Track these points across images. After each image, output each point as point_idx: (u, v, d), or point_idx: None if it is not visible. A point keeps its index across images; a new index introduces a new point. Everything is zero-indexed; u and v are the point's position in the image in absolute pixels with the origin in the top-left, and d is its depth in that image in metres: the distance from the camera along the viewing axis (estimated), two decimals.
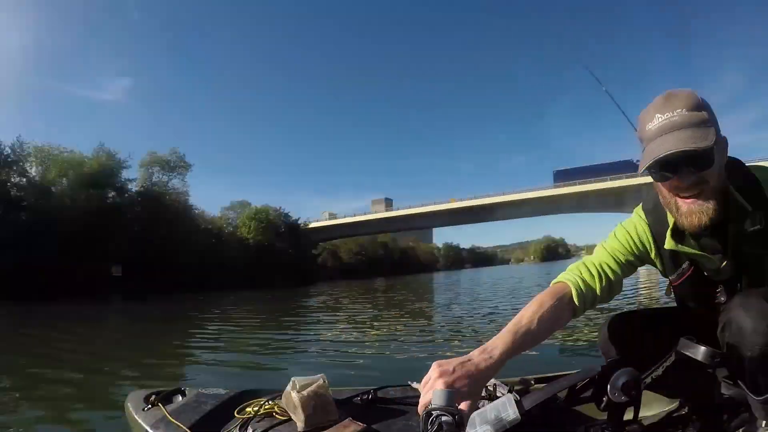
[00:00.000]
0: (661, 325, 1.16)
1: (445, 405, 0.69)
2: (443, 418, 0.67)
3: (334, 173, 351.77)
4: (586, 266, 1.05)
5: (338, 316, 10.04)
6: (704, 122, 0.85)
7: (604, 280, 1.02)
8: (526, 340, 0.87)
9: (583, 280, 1.01)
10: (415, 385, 1.30)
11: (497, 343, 0.85)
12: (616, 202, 53.22)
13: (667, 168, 0.88)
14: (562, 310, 0.96)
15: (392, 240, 77.77)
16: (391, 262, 67.81)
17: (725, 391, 1.11)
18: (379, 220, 61.38)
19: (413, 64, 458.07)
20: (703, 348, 0.87)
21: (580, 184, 53.65)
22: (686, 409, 1.21)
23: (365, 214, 65.65)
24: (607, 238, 1.13)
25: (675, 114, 0.86)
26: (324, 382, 1.17)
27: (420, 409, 0.73)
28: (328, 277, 43.79)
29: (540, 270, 34.80)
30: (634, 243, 1.07)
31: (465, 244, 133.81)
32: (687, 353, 0.89)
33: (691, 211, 0.90)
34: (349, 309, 11.53)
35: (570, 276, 1.03)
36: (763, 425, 0.99)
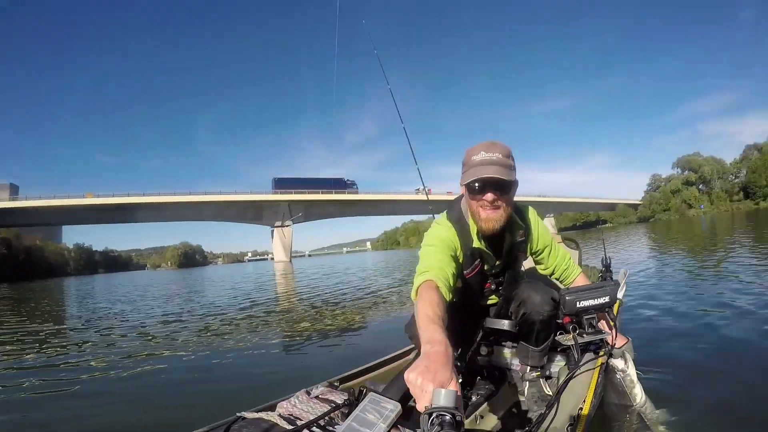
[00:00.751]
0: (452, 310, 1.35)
1: (445, 404, 0.70)
2: (444, 418, 0.69)
3: None
4: (436, 265, 1.30)
5: None
6: (511, 167, 1.34)
7: (450, 272, 1.31)
8: (442, 322, 1.02)
9: (443, 275, 1.28)
10: (248, 414, 1.18)
11: (432, 334, 0.95)
12: (254, 215, 58.67)
13: (482, 187, 1.32)
14: (440, 298, 1.17)
15: (15, 237, 68.66)
16: (14, 264, 61.82)
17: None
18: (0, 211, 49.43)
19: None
20: (506, 321, 1.51)
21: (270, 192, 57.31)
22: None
23: None
24: (427, 243, 1.42)
25: (494, 156, 1.31)
26: None
27: (419, 407, 0.75)
28: None
29: (177, 276, 32.86)
30: (450, 244, 1.40)
31: (98, 246, 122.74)
32: (494, 326, 1.50)
33: (489, 218, 1.36)
34: None
35: (432, 274, 1.26)
36: (528, 370, 1.58)
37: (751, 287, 4.49)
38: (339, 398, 1.29)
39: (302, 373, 3.24)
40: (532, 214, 1.61)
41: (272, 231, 62.05)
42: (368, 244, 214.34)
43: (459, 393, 0.74)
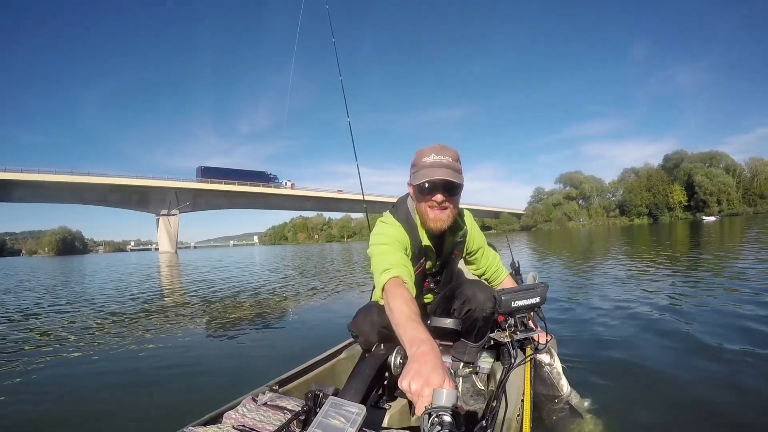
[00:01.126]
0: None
1: (446, 404, 0.71)
2: (443, 417, 0.70)
3: None
4: (398, 261, 1.33)
5: None
6: (459, 170, 1.39)
7: (410, 269, 1.37)
8: (420, 319, 1.08)
9: (407, 271, 1.32)
10: (194, 429, 1.07)
11: (415, 333, 0.97)
12: (140, 201, 56.13)
13: (432, 188, 1.36)
14: (410, 294, 1.23)
15: None
16: None
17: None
18: None
19: None
20: (449, 319, 1.54)
21: (137, 178, 52.37)
22: None
23: None
24: (380, 241, 1.42)
25: (444, 159, 1.35)
26: None
27: (418, 411, 0.77)
28: None
29: (56, 265, 28.65)
30: (403, 242, 1.44)
31: None
32: (439, 325, 1.53)
33: (437, 218, 1.41)
34: None
35: (397, 271, 1.28)
36: (462, 366, 1.60)
37: (631, 289, 5.34)
38: (290, 404, 1.23)
39: (228, 376, 2.94)
40: (468, 216, 1.68)
41: (158, 219, 58.70)
42: (256, 238, 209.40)
43: (458, 392, 0.77)
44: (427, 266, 1.59)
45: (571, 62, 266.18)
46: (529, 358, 1.62)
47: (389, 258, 1.34)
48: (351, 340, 1.94)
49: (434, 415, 0.71)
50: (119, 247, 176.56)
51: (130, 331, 4.63)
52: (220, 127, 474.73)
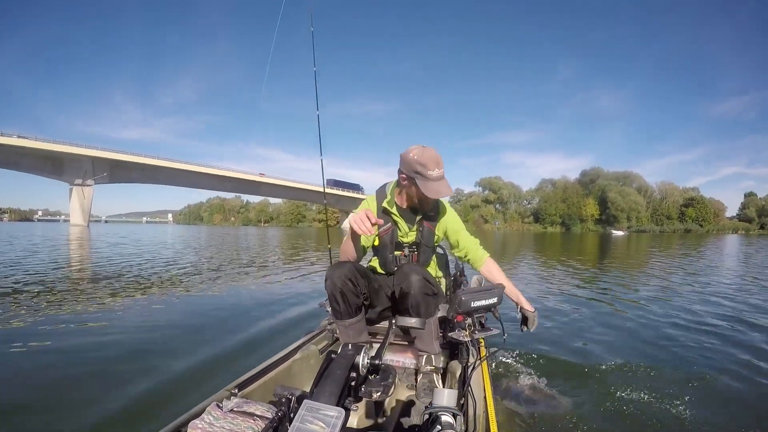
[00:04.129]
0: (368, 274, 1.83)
1: (447, 404, 0.74)
2: (444, 417, 0.72)
3: None
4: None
5: None
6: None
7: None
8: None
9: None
10: None
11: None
12: (54, 168, 51.04)
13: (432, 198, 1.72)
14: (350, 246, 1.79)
15: None
16: None
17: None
18: None
19: None
20: (413, 319, 1.69)
21: (18, 138, 46.54)
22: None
23: None
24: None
25: (441, 170, 1.69)
26: None
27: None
28: None
29: None
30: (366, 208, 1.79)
31: None
32: (403, 324, 1.70)
33: (419, 198, 1.75)
34: None
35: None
36: (423, 363, 1.73)
37: (552, 289, 5.99)
38: (258, 409, 1.18)
39: (175, 377, 2.63)
40: (444, 201, 1.93)
41: (71, 189, 53.29)
42: (170, 215, 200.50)
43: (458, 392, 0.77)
44: (399, 233, 1.88)
45: (499, 72, 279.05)
46: (485, 357, 1.71)
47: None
48: (304, 339, 1.95)
49: (434, 415, 0.72)
50: (25, 216, 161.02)
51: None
52: (142, 96, 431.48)
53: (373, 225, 1.46)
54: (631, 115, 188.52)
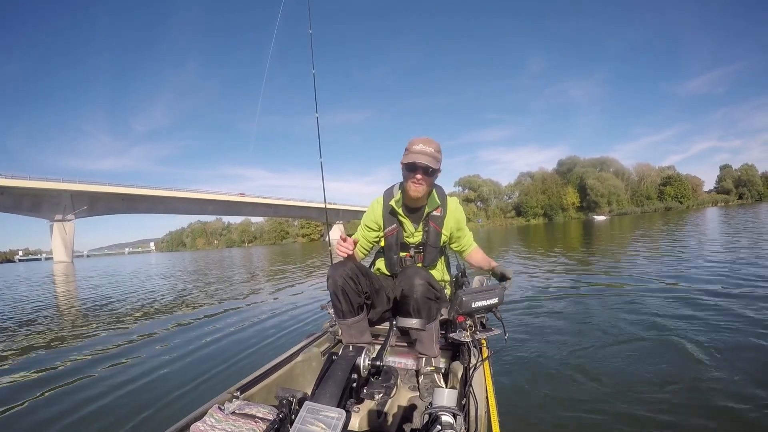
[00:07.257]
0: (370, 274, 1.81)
1: (447, 404, 0.73)
2: (444, 417, 0.72)
3: None
4: (359, 234, 1.99)
5: None
6: (438, 159, 1.79)
7: (367, 240, 2.02)
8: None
9: (365, 242, 2.00)
10: None
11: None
12: (32, 205, 48.54)
13: (415, 168, 1.77)
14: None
15: None
16: None
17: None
18: None
19: None
20: (414, 320, 1.65)
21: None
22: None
23: None
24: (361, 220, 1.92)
25: (428, 149, 1.77)
26: None
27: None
28: None
29: None
30: (373, 217, 1.98)
31: None
32: (404, 325, 1.65)
33: (415, 189, 1.80)
34: None
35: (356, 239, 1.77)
36: (423, 364, 1.72)
37: (542, 282, 6.10)
38: (260, 411, 1.21)
39: (182, 383, 2.75)
40: (452, 200, 2.00)
41: (51, 226, 51.27)
42: (152, 244, 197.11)
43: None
44: (405, 233, 1.95)
45: (470, 72, 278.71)
46: (487, 358, 1.68)
47: (356, 234, 1.95)
48: (306, 341, 1.98)
49: (435, 415, 0.74)
50: (6, 257, 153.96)
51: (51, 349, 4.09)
52: (115, 125, 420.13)
53: (345, 242, 1.61)
54: (603, 101, 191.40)
